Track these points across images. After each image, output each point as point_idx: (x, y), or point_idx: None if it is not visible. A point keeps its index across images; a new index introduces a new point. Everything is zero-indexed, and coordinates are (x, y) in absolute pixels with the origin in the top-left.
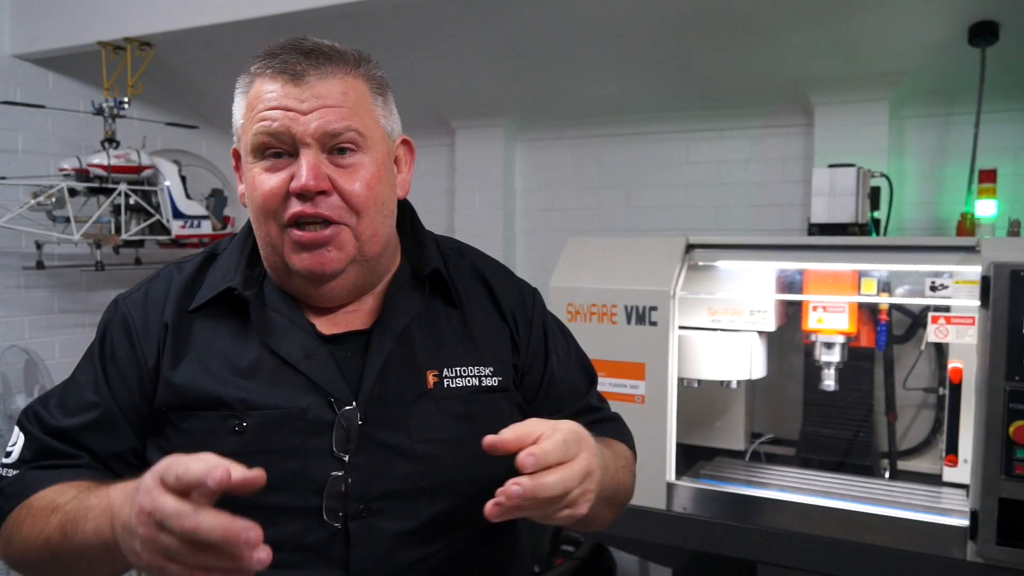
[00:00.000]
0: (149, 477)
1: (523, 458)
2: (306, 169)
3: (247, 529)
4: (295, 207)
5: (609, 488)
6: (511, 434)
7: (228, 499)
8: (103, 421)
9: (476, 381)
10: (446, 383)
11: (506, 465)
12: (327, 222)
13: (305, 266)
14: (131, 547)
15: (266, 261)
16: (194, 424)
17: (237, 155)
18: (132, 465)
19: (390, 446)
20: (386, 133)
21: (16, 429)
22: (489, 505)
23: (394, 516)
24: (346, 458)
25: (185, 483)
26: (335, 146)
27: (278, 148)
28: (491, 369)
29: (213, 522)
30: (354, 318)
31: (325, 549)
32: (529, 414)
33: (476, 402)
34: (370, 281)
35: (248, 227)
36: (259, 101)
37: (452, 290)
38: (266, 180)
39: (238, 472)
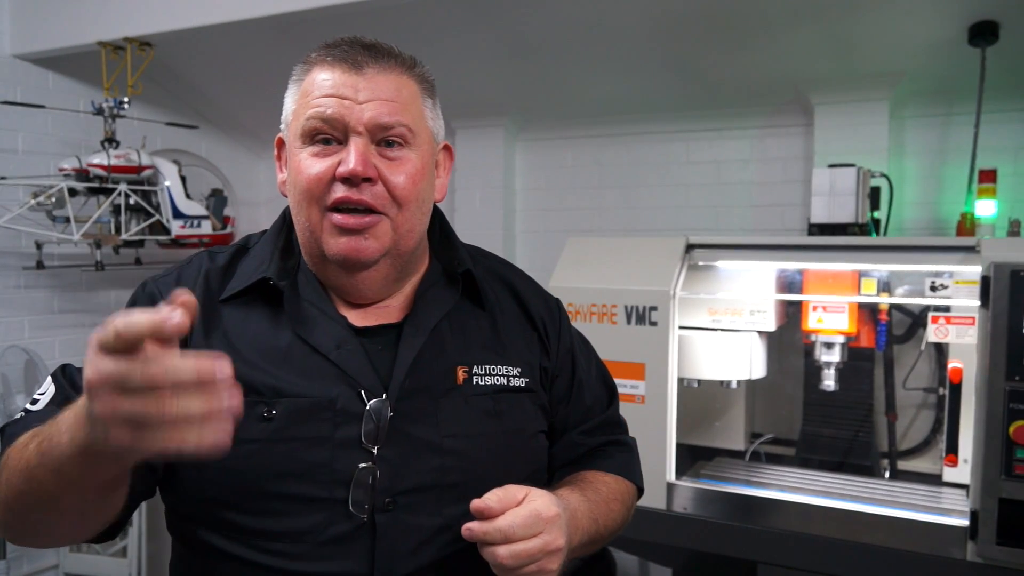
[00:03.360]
0: (89, 348)
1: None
2: (355, 155)
3: (216, 359)
4: (340, 192)
5: (591, 534)
6: (495, 500)
7: (250, 489)
8: None
9: (504, 380)
10: (475, 380)
11: (528, 468)
12: (368, 211)
13: (341, 251)
14: (101, 434)
15: (304, 248)
16: None
17: (281, 144)
18: None
19: (419, 440)
20: (432, 135)
21: (48, 379)
22: (464, 528)
23: (420, 511)
24: (375, 450)
25: (131, 338)
26: (384, 139)
27: (328, 134)
28: (519, 370)
29: (182, 363)
30: (385, 312)
31: (350, 541)
32: (554, 418)
33: (503, 400)
34: (400, 278)
35: (280, 221)
36: (314, 88)
37: (482, 292)
38: (313, 164)
39: (180, 301)
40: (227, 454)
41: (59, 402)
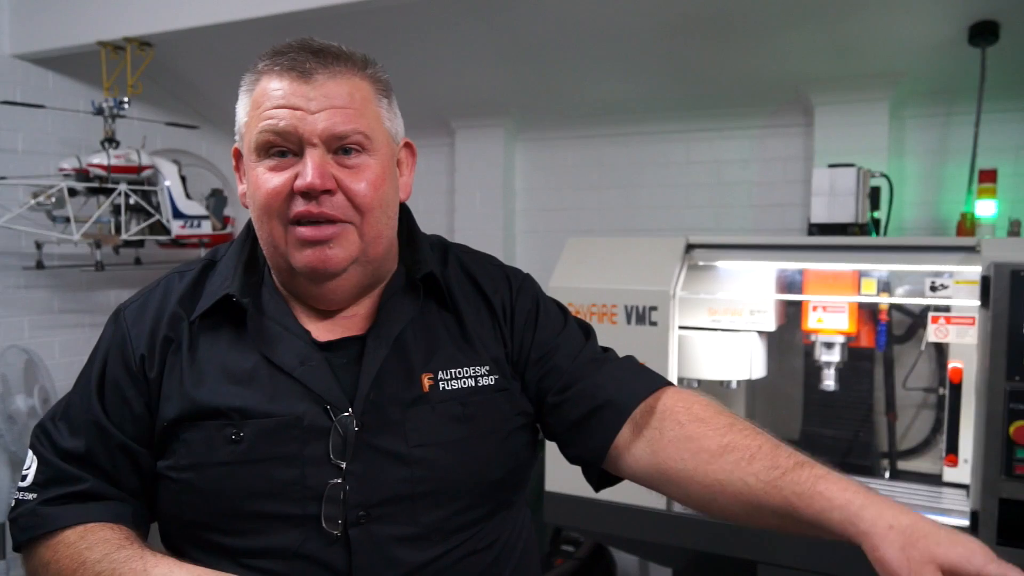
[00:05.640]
0: None
1: None
2: (312, 168)
3: None
4: (300, 206)
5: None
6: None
7: (225, 510)
8: (111, 444)
9: (472, 382)
10: (441, 386)
11: (505, 468)
12: (331, 221)
13: (308, 263)
14: None
15: (270, 261)
16: (193, 434)
17: (238, 154)
18: (145, 479)
19: (387, 452)
20: (390, 136)
21: (30, 452)
22: None
23: (394, 522)
24: (343, 465)
25: None
26: (341, 147)
27: (283, 147)
28: (487, 368)
29: None
30: (351, 323)
31: (325, 557)
32: (531, 404)
33: (473, 403)
34: (371, 284)
35: (245, 232)
36: (265, 99)
37: (446, 293)
38: (270, 179)
39: None
40: (200, 477)
41: (47, 474)
